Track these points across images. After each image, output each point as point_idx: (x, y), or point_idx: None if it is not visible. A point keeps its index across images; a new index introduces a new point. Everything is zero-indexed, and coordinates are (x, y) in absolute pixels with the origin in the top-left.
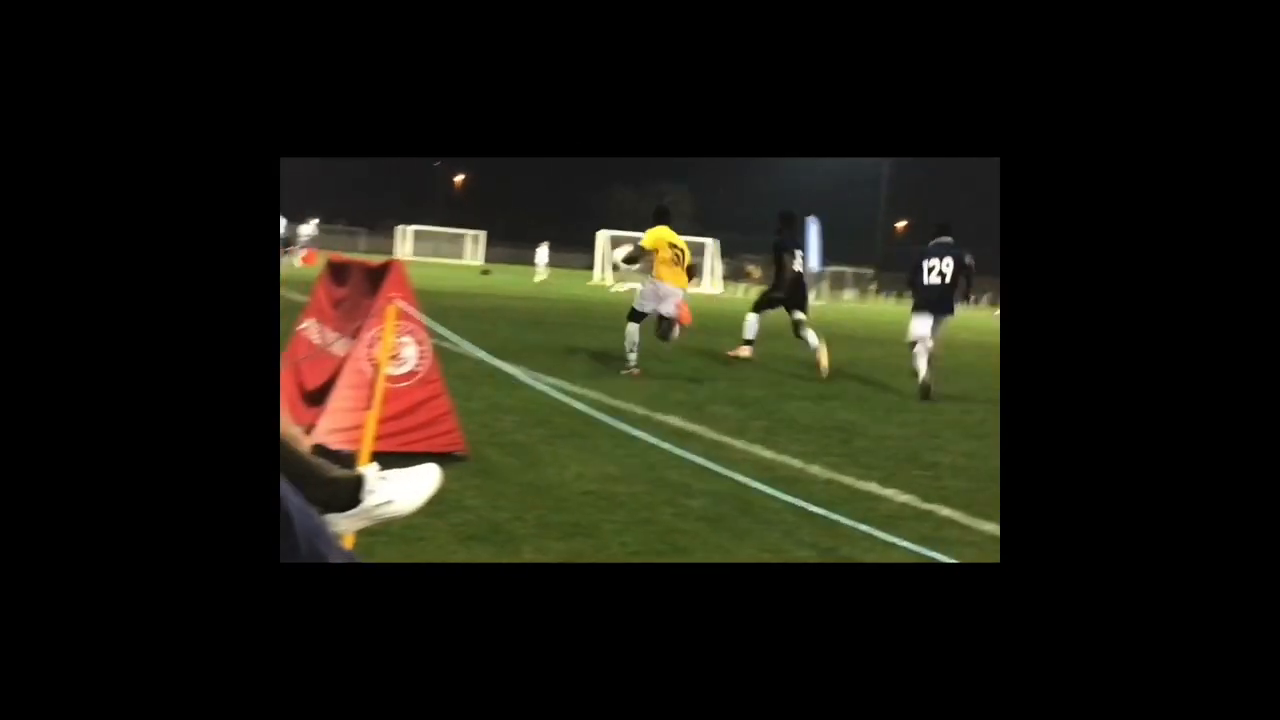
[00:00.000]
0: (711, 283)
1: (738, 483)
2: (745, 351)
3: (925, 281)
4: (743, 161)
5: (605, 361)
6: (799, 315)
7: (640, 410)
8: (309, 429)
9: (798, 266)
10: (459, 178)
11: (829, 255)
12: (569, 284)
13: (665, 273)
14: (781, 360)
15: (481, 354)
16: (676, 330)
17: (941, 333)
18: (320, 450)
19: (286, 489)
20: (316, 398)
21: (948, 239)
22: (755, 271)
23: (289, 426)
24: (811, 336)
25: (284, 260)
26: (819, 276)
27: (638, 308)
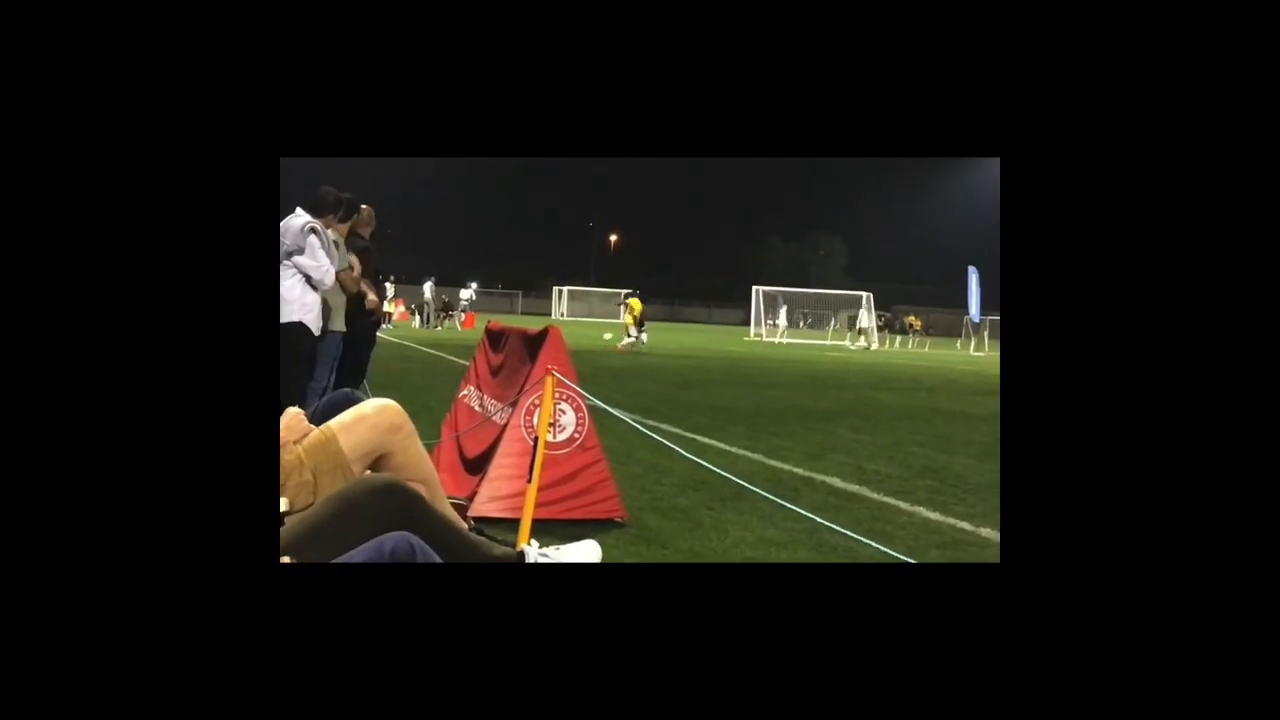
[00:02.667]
0: (865, 337)
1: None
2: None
3: None
4: (899, 210)
5: (763, 420)
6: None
7: (801, 471)
8: (470, 496)
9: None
10: (613, 238)
11: (988, 305)
12: (725, 340)
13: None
14: (946, 416)
15: (636, 423)
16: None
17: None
18: (480, 523)
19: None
20: (476, 465)
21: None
22: (917, 322)
23: (446, 507)
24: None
25: (447, 323)
26: (979, 326)
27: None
